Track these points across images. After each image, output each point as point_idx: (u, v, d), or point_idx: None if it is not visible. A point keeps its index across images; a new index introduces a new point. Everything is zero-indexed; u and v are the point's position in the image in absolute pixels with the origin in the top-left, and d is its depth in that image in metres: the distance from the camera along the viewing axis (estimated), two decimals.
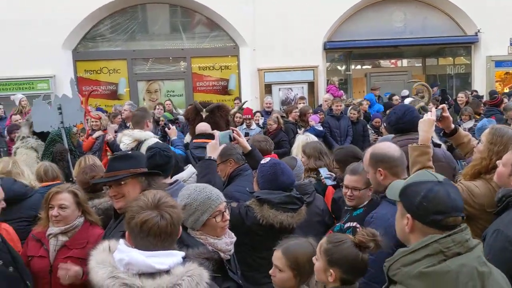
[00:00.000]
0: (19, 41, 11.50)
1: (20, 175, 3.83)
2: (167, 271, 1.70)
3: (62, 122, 5.47)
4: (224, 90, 13.74)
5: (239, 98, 11.49)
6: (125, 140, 4.85)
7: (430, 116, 3.03)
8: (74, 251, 3.03)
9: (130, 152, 3.25)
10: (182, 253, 1.81)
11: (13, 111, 9.71)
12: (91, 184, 3.53)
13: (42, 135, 5.89)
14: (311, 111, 9.21)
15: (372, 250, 2.14)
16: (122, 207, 2.69)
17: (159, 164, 3.10)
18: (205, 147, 4.75)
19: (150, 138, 4.84)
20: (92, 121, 7.60)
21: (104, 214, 3.42)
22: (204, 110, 5.77)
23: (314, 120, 8.56)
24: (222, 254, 2.41)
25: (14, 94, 10.25)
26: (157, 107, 9.64)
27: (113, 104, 12.67)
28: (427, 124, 2.99)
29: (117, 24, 13.08)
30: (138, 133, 4.88)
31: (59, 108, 5.45)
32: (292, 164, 3.82)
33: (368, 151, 2.87)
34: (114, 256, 1.74)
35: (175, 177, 3.42)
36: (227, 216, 2.53)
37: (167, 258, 1.73)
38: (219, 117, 5.91)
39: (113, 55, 13.12)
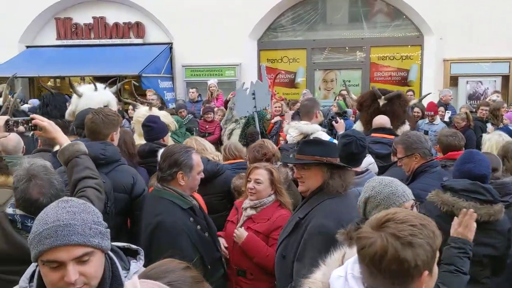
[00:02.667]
0: (212, 31, 12.66)
1: (205, 151, 4.13)
2: None
3: (255, 107, 5.88)
4: (403, 81, 13.10)
5: (412, 90, 10.81)
6: (292, 132, 4.72)
7: None
8: (256, 225, 3.28)
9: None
10: None
11: (208, 96, 10.80)
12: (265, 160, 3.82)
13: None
14: (505, 105, 8.20)
15: None
16: (302, 191, 2.79)
17: (354, 153, 3.04)
18: (385, 143, 4.58)
19: (317, 132, 4.61)
20: (275, 106, 7.97)
21: None
22: (383, 97, 5.49)
23: (509, 118, 7.62)
24: None
25: (207, 80, 11.34)
26: (337, 97, 9.69)
27: (291, 93, 13.21)
28: None
29: (297, 15, 13.46)
30: (305, 126, 4.68)
31: (253, 94, 5.87)
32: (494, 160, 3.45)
33: None
34: (342, 267, 1.62)
35: None
36: None
37: None
38: (398, 106, 5.56)
39: (294, 44, 13.54)
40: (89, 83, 7.19)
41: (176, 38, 13.30)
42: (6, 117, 2.57)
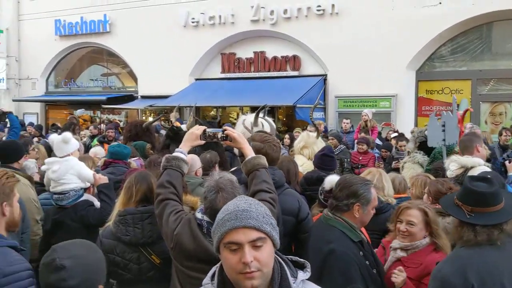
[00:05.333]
0: (368, 63, 12.56)
1: (380, 190, 3.94)
2: None
3: (443, 140, 5.58)
4: None
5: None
6: (451, 166, 4.46)
7: None
8: (406, 269, 2.94)
9: None
10: None
11: (359, 125, 10.70)
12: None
13: (427, 150, 6.13)
14: None
15: None
16: None
17: None
18: None
19: (479, 166, 4.26)
20: None
21: None
22: None
23: None
24: None
25: (361, 111, 11.23)
26: (503, 132, 8.77)
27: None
28: None
29: (460, 45, 12.67)
30: (465, 159, 4.39)
31: (443, 126, 5.59)
32: None
33: None
34: None
35: None
36: None
37: None
38: None
39: (456, 75, 12.72)
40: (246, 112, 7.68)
41: (331, 70, 13.49)
42: (203, 127, 2.89)
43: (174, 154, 2.76)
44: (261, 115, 6.16)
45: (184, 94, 14.52)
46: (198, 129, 2.86)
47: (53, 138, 4.31)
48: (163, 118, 12.15)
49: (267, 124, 6.13)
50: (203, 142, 2.86)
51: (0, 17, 19.84)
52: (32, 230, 4.00)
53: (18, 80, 19.70)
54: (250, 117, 6.15)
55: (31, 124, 14.30)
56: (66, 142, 4.20)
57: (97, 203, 3.90)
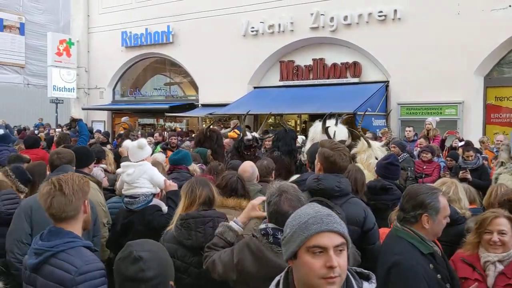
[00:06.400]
0: (432, 68, 12.13)
1: (456, 202, 3.77)
2: None
3: None
4: None
5: None
6: None
7: None
8: None
9: None
10: None
11: (422, 134, 10.32)
12: None
13: None
14: None
15: None
16: None
17: None
18: None
19: None
20: None
21: None
22: None
23: None
24: None
25: (425, 118, 10.84)
26: None
27: None
28: None
29: None
30: None
31: None
32: None
33: None
34: None
35: None
36: None
37: None
38: None
39: None
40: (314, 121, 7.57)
41: (393, 76, 13.16)
42: (263, 198, 2.80)
43: (229, 223, 2.83)
44: (331, 123, 6.09)
45: (242, 102, 14.69)
46: (258, 200, 2.88)
47: (128, 144, 4.45)
48: (222, 125, 12.32)
49: (344, 131, 6.10)
50: (264, 213, 2.72)
51: (72, 30, 21.10)
52: None
53: (87, 89, 20.81)
54: (329, 122, 6.12)
55: (98, 131, 15.01)
56: (141, 148, 4.32)
57: (165, 208, 4.00)
